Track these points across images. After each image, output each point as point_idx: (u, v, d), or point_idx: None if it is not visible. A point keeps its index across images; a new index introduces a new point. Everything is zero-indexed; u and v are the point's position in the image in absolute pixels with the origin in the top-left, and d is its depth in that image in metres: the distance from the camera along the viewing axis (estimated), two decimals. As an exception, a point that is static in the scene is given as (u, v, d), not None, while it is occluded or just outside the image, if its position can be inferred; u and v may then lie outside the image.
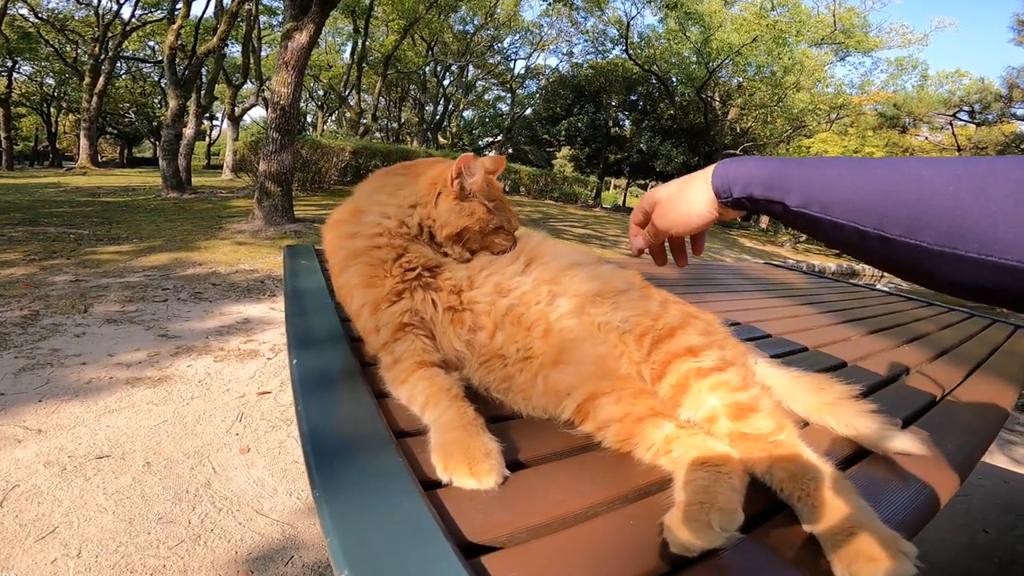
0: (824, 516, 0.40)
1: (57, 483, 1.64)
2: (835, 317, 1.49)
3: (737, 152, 18.72)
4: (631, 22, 18.17)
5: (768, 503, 0.45)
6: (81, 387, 2.26)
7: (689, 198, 0.55)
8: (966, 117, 13.44)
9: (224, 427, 2.06)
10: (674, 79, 19.46)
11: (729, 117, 19.37)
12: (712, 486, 0.41)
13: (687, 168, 20.11)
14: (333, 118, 27.03)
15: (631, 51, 18.69)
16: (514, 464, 0.46)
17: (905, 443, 0.55)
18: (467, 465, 0.43)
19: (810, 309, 1.61)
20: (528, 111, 26.28)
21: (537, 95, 25.68)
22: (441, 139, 26.00)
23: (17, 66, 21.33)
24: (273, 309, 3.64)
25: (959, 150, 13.17)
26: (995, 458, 2.54)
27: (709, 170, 0.55)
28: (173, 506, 1.59)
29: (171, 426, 2.02)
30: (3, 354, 2.49)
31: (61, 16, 18.78)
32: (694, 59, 17.49)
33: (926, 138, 15.71)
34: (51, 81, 24.24)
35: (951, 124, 13.50)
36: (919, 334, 1.38)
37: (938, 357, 1.13)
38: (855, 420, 0.57)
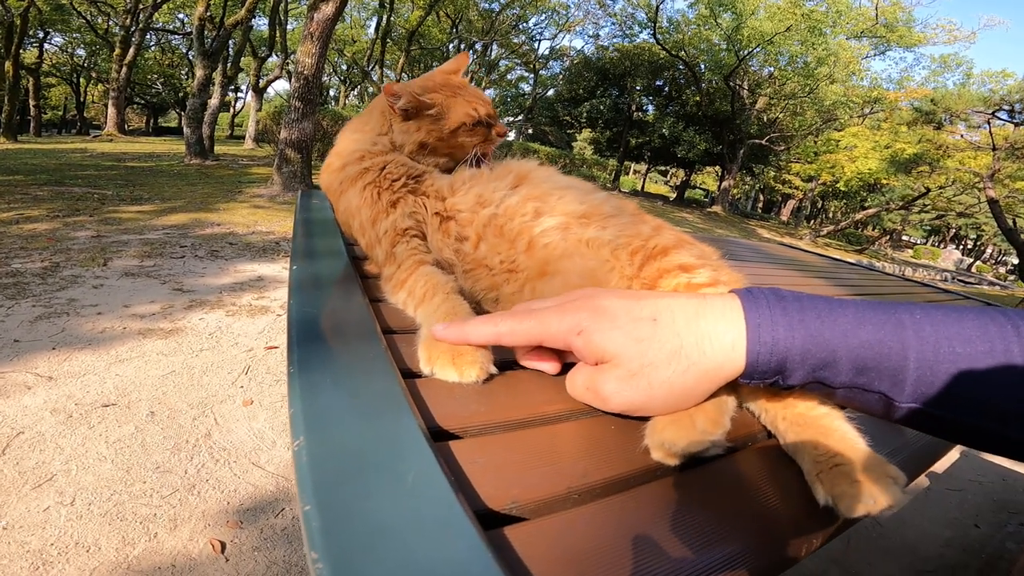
0: (803, 438, 0.38)
1: (61, 431, 1.66)
2: (846, 291, 1.46)
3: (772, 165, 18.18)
4: (660, 6, 17.72)
5: (762, 429, 0.44)
6: (94, 336, 2.30)
7: (702, 371, 0.34)
8: (1005, 116, 12.93)
9: (230, 379, 2.08)
10: (702, 66, 18.90)
11: (757, 106, 18.84)
12: None
13: (708, 156, 19.66)
14: (356, 93, 27.03)
15: (659, 36, 18.22)
16: (504, 364, 0.45)
17: None
18: (450, 356, 0.41)
19: (820, 281, 1.58)
20: (551, 92, 25.98)
21: (560, 76, 25.31)
22: (462, 119, 25.79)
23: (49, 37, 21.61)
24: (286, 269, 3.67)
25: (994, 149, 12.68)
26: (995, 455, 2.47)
27: (729, 316, 0.34)
28: (172, 456, 1.61)
29: (178, 377, 2.05)
30: (21, 302, 2.54)
31: (93, -15, 18.91)
32: (724, 46, 16.97)
33: (962, 136, 15.13)
34: (82, 52, 24.55)
35: (988, 123, 13.00)
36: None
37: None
38: None
